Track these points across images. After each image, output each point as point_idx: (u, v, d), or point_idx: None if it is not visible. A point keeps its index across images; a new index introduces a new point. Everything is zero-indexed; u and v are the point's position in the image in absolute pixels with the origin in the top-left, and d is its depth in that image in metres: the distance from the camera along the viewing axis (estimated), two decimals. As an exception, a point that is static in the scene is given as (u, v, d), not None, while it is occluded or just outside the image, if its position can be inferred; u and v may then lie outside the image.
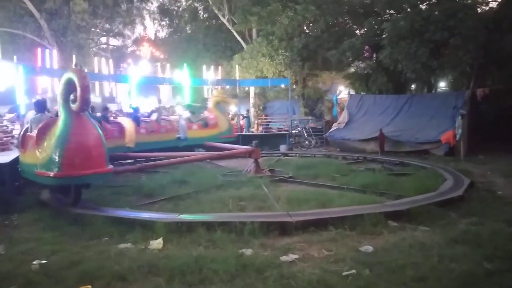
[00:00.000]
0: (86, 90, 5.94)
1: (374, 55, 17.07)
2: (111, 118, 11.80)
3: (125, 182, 9.21)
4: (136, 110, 12.47)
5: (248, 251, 4.57)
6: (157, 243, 4.90)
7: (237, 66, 20.51)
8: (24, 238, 5.29)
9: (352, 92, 18.98)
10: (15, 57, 11.78)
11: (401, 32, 13.98)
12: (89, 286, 3.79)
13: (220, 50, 25.79)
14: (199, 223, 5.29)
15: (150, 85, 19.82)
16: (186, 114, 13.62)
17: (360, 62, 19.36)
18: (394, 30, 14.17)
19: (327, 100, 22.06)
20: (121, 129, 10.94)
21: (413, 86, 19.79)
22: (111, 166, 6.72)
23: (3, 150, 9.66)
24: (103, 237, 5.27)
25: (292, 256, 4.44)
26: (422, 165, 10.46)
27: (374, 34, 16.30)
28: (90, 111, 7.21)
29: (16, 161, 7.48)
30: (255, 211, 6.29)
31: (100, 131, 6.53)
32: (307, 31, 21.80)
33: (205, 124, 13.42)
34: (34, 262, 4.40)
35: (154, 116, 12.69)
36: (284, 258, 4.40)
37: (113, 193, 7.76)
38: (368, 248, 4.61)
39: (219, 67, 20.32)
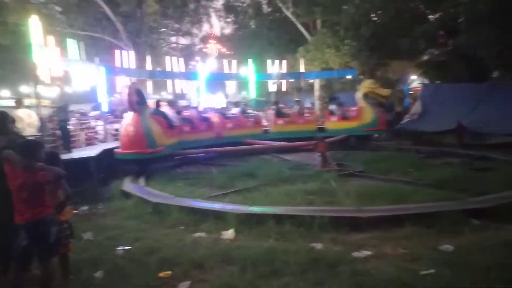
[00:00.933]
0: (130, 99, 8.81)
1: (450, 41, 15.90)
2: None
3: (198, 174, 9.64)
4: (195, 108, 13.24)
5: (318, 245, 4.54)
6: (229, 234, 5.06)
7: (301, 58, 20.30)
8: (109, 225, 5.77)
9: (426, 81, 17.85)
10: (97, 59, 12.77)
11: (481, 15, 12.83)
12: (169, 273, 4.03)
13: (284, 43, 25.70)
14: (269, 215, 5.37)
15: (217, 81, 20.41)
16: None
17: (434, 49, 18.14)
18: (473, 13, 13.05)
19: (398, 90, 21.02)
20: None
21: (495, 74, 18.12)
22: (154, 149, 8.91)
23: (88, 144, 10.56)
24: (179, 226, 5.57)
25: (364, 253, 4.33)
26: (508, 159, 9.56)
27: (449, 19, 15.16)
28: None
29: (101, 154, 8.17)
30: (324, 206, 6.21)
31: (146, 124, 8.87)
32: (375, 18, 20.90)
33: (346, 116, 13.68)
34: (119, 248, 4.78)
35: (294, 109, 14.25)
36: (356, 254, 4.30)
37: (187, 184, 8.15)
38: (448, 247, 4.34)
39: (284, 61, 20.29)
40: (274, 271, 3.93)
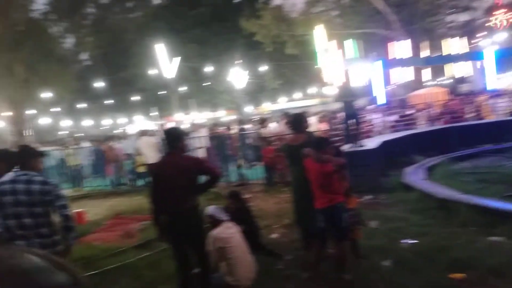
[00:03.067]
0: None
1: None
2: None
3: (489, 168, 8.38)
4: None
5: None
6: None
7: None
8: (393, 216, 5.83)
9: None
10: (372, 54, 13.20)
11: None
12: (463, 275, 3.70)
13: None
14: None
15: (508, 58, 17.05)
16: None
17: None
18: None
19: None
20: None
21: None
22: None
23: (367, 137, 11.05)
24: (470, 226, 5.01)
25: None
26: None
27: None
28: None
29: (380, 147, 8.39)
30: None
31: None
32: None
33: None
34: (404, 241, 4.76)
35: None
36: None
37: (476, 180, 7.24)
38: None
39: None
40: None
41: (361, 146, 8.34)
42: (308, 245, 4.53)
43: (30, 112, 26.86)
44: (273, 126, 12.78)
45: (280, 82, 28.92)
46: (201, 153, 11.22)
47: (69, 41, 32.08)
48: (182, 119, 27.25)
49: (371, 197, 7.18)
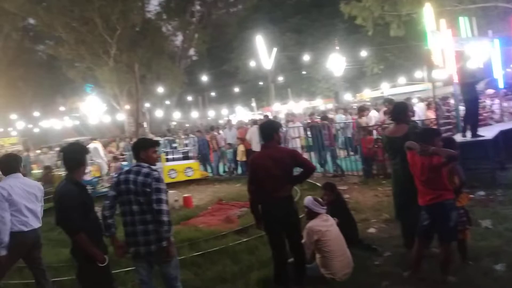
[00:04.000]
0: None
1: None
2: None
3: None
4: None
5: None
6: None
7: None
8: (509, 215, 5.17)
9: None
10: (489, 31, 11.63)
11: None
12: None
13: None
14: None
15: None
16: None
17: None
18: None
19: None
20: None
21: None
22: None
23: (484, 125, 9.84)
24: None
25: None
26: None
27: None
28: None
29: (497, 136, 7.44)
30: None
31: None
32: None
33: None
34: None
35: None
36: None
37: None
38: None
39: None
40: None
41: (477, 136, 7.41)
42: (409, 243, 4.29)
43: (147, 105, 29.91)
44: (373, 114, 12.22)
45: (382, 66, 27.36)
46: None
47: (178, 39, 34.81)
48: (279, 109, 27.64)
49: (484, 193, 6.45)
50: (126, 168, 3.62)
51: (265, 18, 30.49)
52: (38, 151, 17.95)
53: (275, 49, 21.55)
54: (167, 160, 11.29)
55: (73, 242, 3.07)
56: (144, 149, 3.34)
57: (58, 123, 34.63)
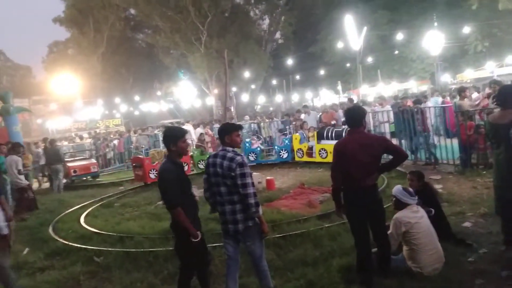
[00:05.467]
0: None
1: None
2: None
3: None
4: None
5: None
6: None
7: None
8: None
9: None
10: None
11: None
12: None
13: None
14: None
15: None
16: None
17: None
18: None
19: None
20: None
21: None
22: None
23: None
24: None
25: None
26: None
27: None
28: None
29: None
30: None
31: None
32: None
33: None
34: None
35: None
36: None
37: None
38: None
39: None
40: None
41: None
42: (510, 240, 3.86)
43: (233, 89, 30.87)
44: (474, 97, 11.07)
45: (487, 44, 24.40)
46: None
47: (265, 23, 35.06)
48: (367, 92, 26.43)
49: None
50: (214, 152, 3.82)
51: (356, -4, 29.09)
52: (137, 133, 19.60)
53: (365, 28, 20.53)
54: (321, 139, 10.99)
55: (171, 216, 3.35)
56: (228, 133, 3.47)
57: (155, 107, 37.52)
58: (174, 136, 3.41)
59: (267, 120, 15.99)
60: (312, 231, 5.09)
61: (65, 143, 18.45)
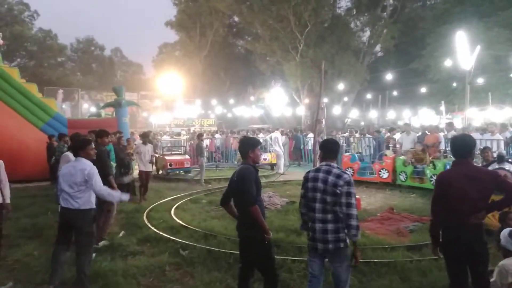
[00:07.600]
0: None
1: None
2: None
3: None
4: None
5: None
6: None
7: None
8: None
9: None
10: None
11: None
12: None
13: None
14: None
15: None
16: None
17: None
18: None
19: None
20: None
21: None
22: None
23: None
24: None
25: None
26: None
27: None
28: None
29: None
30: None
31: None
32: None
33: None
34: None
35: None
36: None
37: None
38: None
39: None
40: None
41: None
42: None
43: (325, 100, 30.44)
44: None
45: None
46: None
47: (365, 35, 34.04)
48: (474, 116, 24.02)
49: None
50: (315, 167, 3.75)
51: (469, 11, 26.73)
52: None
53: (478, 47, 18.75)
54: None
55: (248, 213, 3.39)
56: (253, 148, 3.53)
57: (247, 111, 38.77)
58: (252, 145, 3.56)
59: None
60: (400, 262, 4.75)
61: (167, 137, 19.88)
